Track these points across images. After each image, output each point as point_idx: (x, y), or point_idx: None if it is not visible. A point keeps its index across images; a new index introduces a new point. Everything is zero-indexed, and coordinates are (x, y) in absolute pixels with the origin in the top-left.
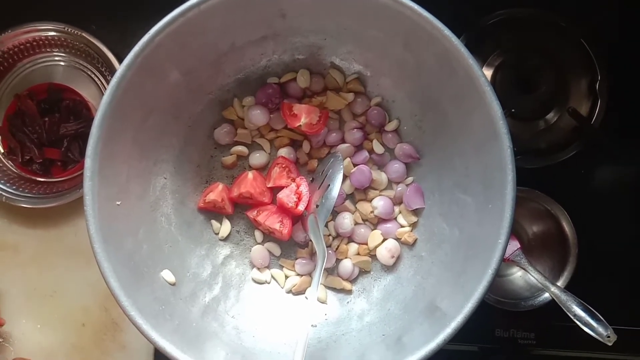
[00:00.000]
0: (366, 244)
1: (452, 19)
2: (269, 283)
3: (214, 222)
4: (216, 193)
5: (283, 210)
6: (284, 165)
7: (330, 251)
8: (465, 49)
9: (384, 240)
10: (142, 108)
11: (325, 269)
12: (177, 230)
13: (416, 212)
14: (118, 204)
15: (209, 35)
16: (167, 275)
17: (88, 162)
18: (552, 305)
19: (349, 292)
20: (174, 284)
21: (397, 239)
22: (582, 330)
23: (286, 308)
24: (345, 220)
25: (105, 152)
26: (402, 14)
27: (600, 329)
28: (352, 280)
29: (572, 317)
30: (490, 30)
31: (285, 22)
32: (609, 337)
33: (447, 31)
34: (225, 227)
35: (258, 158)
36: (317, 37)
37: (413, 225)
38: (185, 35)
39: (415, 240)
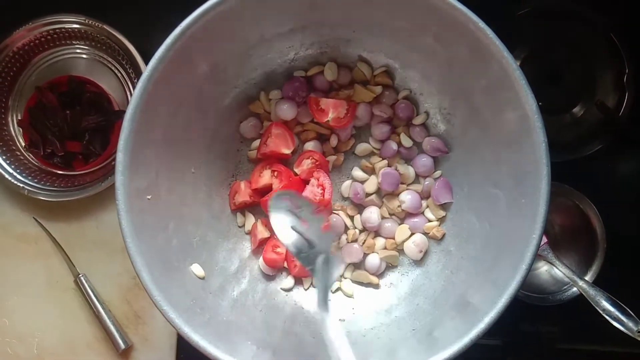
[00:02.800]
0: (393, 238)
1: (480, 9)
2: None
3: (238, 214)
4: (242, 194)
5: None
6: (316, 161)
7: (356, 245)
8: (501, 42)
9: (412, 234)
10: (172, 101)
11: (352, 263)
12: (205, 224)
13: (444, 206)
14: (148, 198)
15: (240, 27)
16: (197, 269)
17: (120, 156)
18: (579, 300)
19: (377, 286)
20: (203, 278)
21: (425, 234)
22: (610, 325)
23: (312, 302)
24: (373, 215)
25: (137, 145)
26: (434, 5)
27: (630, 324)
28: (379, 275)
29: (601, 312)
30: (518, 22)
31: (314, 14)
32: (639, 332)
33: (482, 24)
34: (249, 221)
35: None
36: (346, 30)
37: (441, 220)
38: (217, 28)
39: (444, 235)
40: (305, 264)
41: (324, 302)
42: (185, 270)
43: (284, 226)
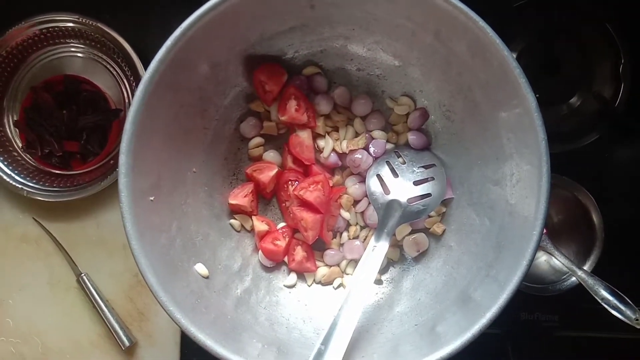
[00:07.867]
0: (394, 234)
1: (476, 2)
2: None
3: (233, 221)
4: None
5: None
6: (296, 97)
7: (358, 242)
8: (501, 40)
9: (412, 231)
10: (173, 102)
11: (353, 259)
12: (207, 223)
13: (445, 202)
14: (151, 200)
15: (239, 26)
16: (200, 268)
17: (122, 158)
18: (578, 289)
19: (379, 282)
20: (207, 277)
21: (426, 229)
22: (609, 313)
23: (316, 298)
24: (375, 212)
25: (139, 147)
26: (434, 3)
27: (629, 312)
28: (381, 270)
29: (599, 301)
30: (515, 13)
31: (314, 12)
32: (637, 320)
33: (482, 22)
34: (246, 223)
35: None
36: (346, 28)
37: (442, 216)
38: (217, 28)
39: (444, 231)
40: (373, 204)
41: (377, 236)
42: (189, 270)
43: (373, 172)
